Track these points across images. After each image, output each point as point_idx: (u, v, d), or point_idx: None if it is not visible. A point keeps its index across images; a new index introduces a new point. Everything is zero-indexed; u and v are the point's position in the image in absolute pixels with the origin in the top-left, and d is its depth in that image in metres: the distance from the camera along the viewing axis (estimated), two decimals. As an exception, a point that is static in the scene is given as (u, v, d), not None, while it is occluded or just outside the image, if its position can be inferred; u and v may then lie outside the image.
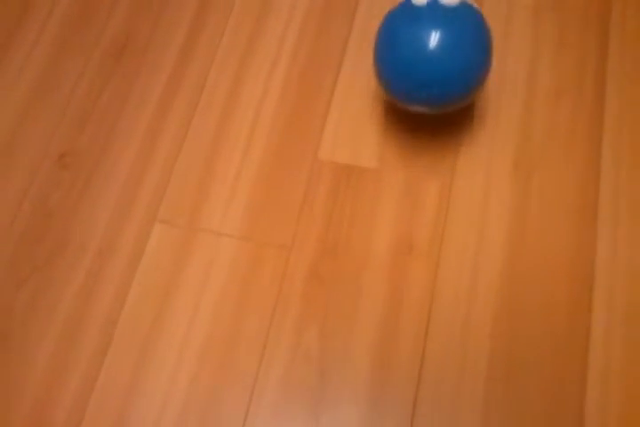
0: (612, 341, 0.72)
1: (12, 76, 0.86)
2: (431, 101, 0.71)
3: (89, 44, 0.88)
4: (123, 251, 0.77)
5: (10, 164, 0.81)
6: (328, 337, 0.73)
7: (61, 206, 0.78)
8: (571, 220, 0.77)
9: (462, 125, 0.82)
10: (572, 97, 0.83)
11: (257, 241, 0.77)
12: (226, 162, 0.81)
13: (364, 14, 0.89)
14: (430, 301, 0.74)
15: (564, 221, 0.77)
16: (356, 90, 0.84)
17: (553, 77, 0.84)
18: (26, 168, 0.81)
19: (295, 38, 0.88)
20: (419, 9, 0.70)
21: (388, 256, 0.75)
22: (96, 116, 0.83)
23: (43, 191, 0.79)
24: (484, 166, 0.79)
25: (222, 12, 0.90)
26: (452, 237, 0.76)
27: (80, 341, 0.73)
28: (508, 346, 0.71)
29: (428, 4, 0.70)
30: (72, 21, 0.90)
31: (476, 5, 0.73)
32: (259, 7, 0.90)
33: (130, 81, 0.86)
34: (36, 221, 0.78)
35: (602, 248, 0.76)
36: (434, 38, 0.68)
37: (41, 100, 0.84)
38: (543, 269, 0.75)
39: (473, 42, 0.70)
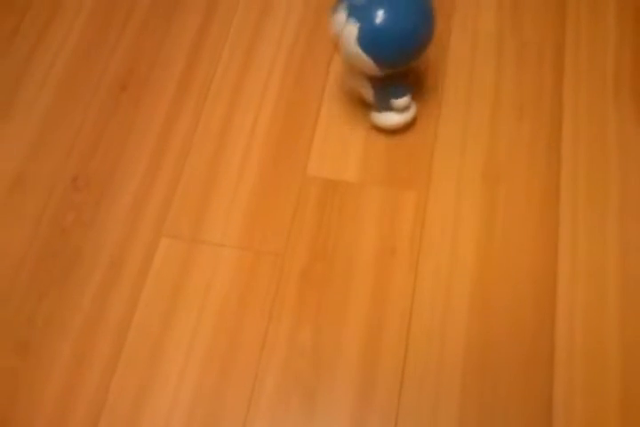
0: (574, 348, 0.80)
1: (27, 106, 0.94)
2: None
3: (95, 78, 0.97)
4: (132, 264, 0.84)
5: (27, 187, 0.89)
6: (320, 334, 0.80)
7: (75, 225, 0.87)
8: (534, 225, 0.86)
9: (434, 142, 0.91)
10: (532, 113, 0.92)
11: (254, 250, 0.85)
12: (224, 180, 0.89)
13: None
14: (411, 300, 0.82)
15: (528, 226, 0.86)
16: (340, 113, 0.93)
17: (515, 96, 0.94)
18: (42, 191, 0.89)
19: (281, 70, 0.97)
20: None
21: (372, 260, 0.84)
22: (104, 142, 0.92)
23: (58, 211, 0.87)
24: (455, 178, 0.88)
25: (216, 45, 0.99)
26: (430, 242, 0.85)
27: (94, 346, 0.80)
28: (482, 335, 0.80)
29: None
30: (80, 58, 0.98)
31: None
32: (249, 38, 0.99)
33: (134, 110, 0.94)
34: (52, 239, 0.86)
35: (563, 252, 0.84)
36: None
37: (54, 129, 0.93)
38: (509, 272, 0.83)
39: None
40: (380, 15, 0.78)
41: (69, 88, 0.96)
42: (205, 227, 0.86)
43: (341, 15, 0.79)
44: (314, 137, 0.92)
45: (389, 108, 0.87)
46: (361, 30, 0.77)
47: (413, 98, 0.89)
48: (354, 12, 0.78)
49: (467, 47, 0.98)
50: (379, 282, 0.83)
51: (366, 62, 0.80)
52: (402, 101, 0.86)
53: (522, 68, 0.96)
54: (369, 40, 0.78)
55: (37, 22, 1.02)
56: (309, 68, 0.97)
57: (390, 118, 0.88)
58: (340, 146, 0.91)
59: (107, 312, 0.82)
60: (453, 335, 0.80)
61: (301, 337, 0.80)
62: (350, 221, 0.86)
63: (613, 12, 1.01)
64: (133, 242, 0.86)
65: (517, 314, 0.81)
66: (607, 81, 0.95)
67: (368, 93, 0.88)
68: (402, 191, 0.87)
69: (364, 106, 0.91)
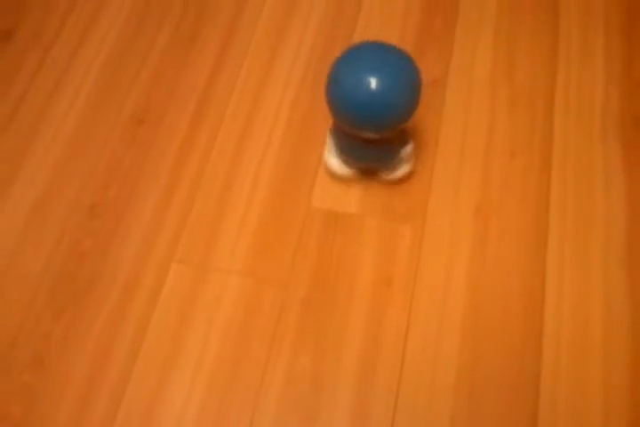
0: (560, 368, 0.85)
1: (50, 137, 1.01)
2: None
3: (114, 112, 1.03)
4: (144, 287, 0.90)
5: (47, 213, 0.95)
6: (320, 360, 0.85)
7: (92, 249, 0.92)
8: (524, 258, 0.91)
9: (430, 179, 0.97)
10: (523, 154, 0.99)
11: (258, 277, 0.90)
12: (233, 211, 0.95)
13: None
14: (406, 328, 0.87)
15: (517, 258, 0.91)
16: (342, 151, 0.99)
17: (507, 138, 1.00)
18: (61, 217, 0.94)
19: (289, 108, 1.03)
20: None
21: (369, 289, 0.89)
22: (121, 173, 0.98)
23: (76, 236, 0.93)
24: (450, 214, 0.94)
25: (228, 85, 1.06)
26: (425, 273, 0.90)
27: (108, 363, 0.85)
28: (472, 360, 0.84)
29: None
30: (100, 93, 1.05)
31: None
32: (259, 77, 1.06)
33: (149, 144, 1.00)
34: (70, 262, 0.91)
35: (550, 283, 0.90)
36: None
37: (74, 160, 0.99)
38: (499, 302, 0.88)
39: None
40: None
41: (90, 121, 1.02)
42: (213, 254, 0.92)
43: None
44: (318, 171, 0.98)
45: (402, 157, 0.91)
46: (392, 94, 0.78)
47: (412, 140, 0.95)
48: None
49: (463, 91, 1.04)
50: (375, 310, 0.88)
51: (405, 122, 0.82)
52: (411, 145, 0.91)
53: (514, 111, 1.03)
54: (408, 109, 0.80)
55: (60, 59, 1.08)
56: (316, 106, 1.03)
57: (402, 170, 0.93)
58: (343, 180, 0.97)
59: (119, 332, 0.87)
60: (445, 361, 0.84)
61: (301, 362, 0.85)
62: (350, 252, 0.92)
63: (602, 58, 1.07)
64: (146, 267, 0.91)
65: (506, 340, 0.86)
66: (595, 124, 1.01)
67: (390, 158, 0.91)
68: (399, 225, 0.93)
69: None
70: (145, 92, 1.05)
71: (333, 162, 0.93)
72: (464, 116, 1.02)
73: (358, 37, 1.10)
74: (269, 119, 1.03)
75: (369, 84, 0.77)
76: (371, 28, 1.11)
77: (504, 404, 0.82)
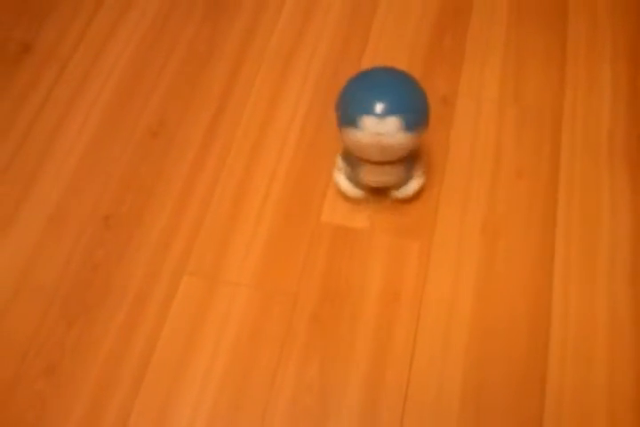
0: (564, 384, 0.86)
1: (66, 149, 1.03)
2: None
3: (129, 125, 1.05)
4: (156, 298, 0.91)
5: (63, 224, 0.96)
6: (327, 372, 0.86)
7: (105, 260, 0.94)
8: (530, 275, 0.93)
9: (438, 197, 0.98)
10: (530, 174, 1.00)
11: (268, 289, 0.92)
12: (243, 224, 0.96)
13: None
14: (413, 341, 0.88)
15: (524, 275, 0.93)
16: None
17: (514, 158, 1.02)
18: (76, 228, 0.96)
19: (300, 124, 1.05)
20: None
21: (377, 303, 0.91)
22: (135, 185, 1.00)
23: (90, 247, 0.95)
24: (457, 230, 0.96)
25: (240, 101, 1.08)
26: (432, 288, 0.92)
27: (119, 373, 0.86)
28: (478, 374, 0.86)
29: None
30: (115, 106, 1.07)
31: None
32: (271, 96, 1.08)
33: (163, 157, 1.02)
34: (84, 272, 0.93)
35: (556, 300, 0.91)
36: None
37: (89, 172, 1.01)
38: (505, 319, 0.90)
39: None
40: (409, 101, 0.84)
41: (106, 133, 1.05)
42: (224, 267, 0.94)
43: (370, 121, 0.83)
44: (328, 186, 0.99)
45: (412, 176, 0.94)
46: (404, 119, 0.81)
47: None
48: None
49: (471, 110, 1.06)
50: (383, 323, 0.89)
51: (411, 143, 0.85)
52: (421, 165, 0.93)
53: (522, 131, 1.04)
54: (414, 122, 0.83)
55: (77, 72, 1.11)
56: (326, 122, 1.05)
57: (412, 188, 0.95)
58: (355, 201, 0.98)
59: (131, 342, 0.88)
60: (452, 374, 0.86)
61: (309, 374, 0.86)
62: (358, 266, 0.93)
63: (609, 80, 1.09)
64: (158, 278, 0.93)
65: (513, 354, 0.87)
66: (602, 145, 1.03)
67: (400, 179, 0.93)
68: (407, 240, 0.95)
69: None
70: (160, 106, 1.07)
71: (344, 183, 0.95)
72: (472, 135, 1.04)
73: (369, 55, 1.12)
74: (280, 135, 1.05)
75: (376, 110, 0.81)
76: (381, 47, 1.13)
77: (510, 415, 0.84)
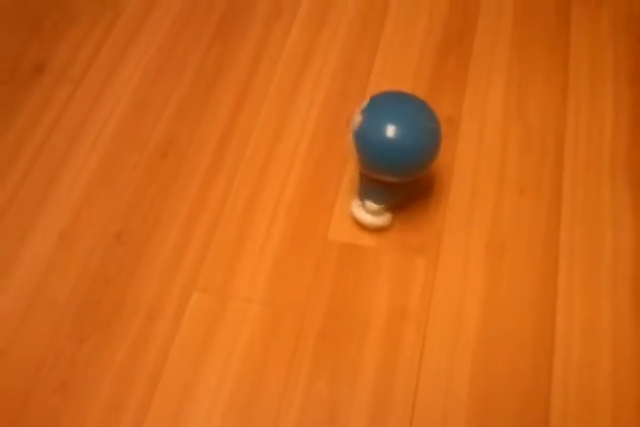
0: (568, 404, 0.88)
1: (77, 168, 1.05)
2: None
3: (139, 145, 1.07)
4: (167, 314, 0.93)
5: (75, 241, 0.98)
6: (335, 387, 0.88)
7: (117, 276, 0.95)
8: (534, 291, 0.94)
9: (444, 214, 1.00)
10: (533, 192, 1.02)
11: (277, 306, 0.93)
12: (252, 241, 0.98)
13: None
14: (420, 358, 0.90)
15: (528, 291, 0.94)
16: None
17: (518, 176, 1.03)
18: (88, 245, 0.98)
19: (308, 143, 1.07)
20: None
21: (384, 319, 0.92)
22: (146, 203, 1.01)
23: (102, 263, 0.96)
24: (463, 247, 0.97)
25: (249, 120, 1.10)
26: (438, 305, 0.93)
27: (130, 388, 0.88)
28: (483, 389, 0.87)
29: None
30: (125, 126, 1.09)
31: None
32: (280, 117, 1.10)
33: (172, 176, 1.04)
34: (95, 288, 0.94)
35: (560, 316, 0.93)
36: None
37: (101, 189, 1.03)
38: (511, 333, 0.91)
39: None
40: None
41: (117, 152, 1.07)
42: (234, 283, 0.95)
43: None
44: (335, 204, 1.01)
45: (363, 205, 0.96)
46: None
47: (427, 177, 1.00)
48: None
49: (475, 130, 1.08)
50: (390, 340, 0.91)
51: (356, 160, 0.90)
52: (372, 206, 0.95)
53: (525, 150, 1.06)
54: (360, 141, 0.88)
55: (89, 92, 1.13)
56: (334, 141, 1.07)
57: (363, 215, 0.97)
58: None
59: (142, 357, 0.90)
60: (457, 390, 0.87)
61: (318, 389, 0.88)
62: (365, 283, 0.95)
63: (611, 101, 1.11)
64: (168, 294, 0.94)
65: (518, 370, 0.88)
66: (604, 165, 1.05)
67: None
68: (414, 258, 0.96)
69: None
70: (170, 125, 1.10)
71: (364, 215, 0.96)
72: (476, 154, 1.06)
73: (375, 75, 1.14)
74: (288, 154, 1.07)
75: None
76: (388, 67, 1.15)
77: (514, 434, 0.85)
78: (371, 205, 0.94)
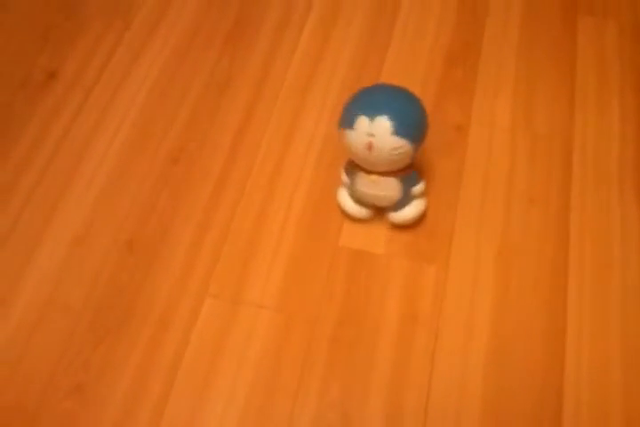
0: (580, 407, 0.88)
1: (89, 175, 1.06)
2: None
3: (151, 152, 1.08)
4: (180, 319, 0.93)
5: (88, 248, 0.99)
6: (348, 392, 0.88)
7: (129, 282, 0.96)
8: (544, 296, 0.95)
9: (454, 222, 1.01)
10: (542, 200, 1.03)
11: (288, 312, 0.94)
12: (264, 248, 0.99)
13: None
14: (431, 363, 0.90)
15: (538, 297, 0.95)
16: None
17: (526, 184, 1.05)
18: (100, 252, 0.99)
19: (318, 149, 1.08)
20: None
21: (396, 325, 0.93)
22: (158, 210, 1.02)
23: (114, 271, 0.97)
24: (473, 254, 0.98)
25: (259, 127, 1.11)
26: (449, 311, 0.94)
27: (144, 393, 0.88)
28: (497, 393, 0.88)
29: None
30: (137, 133, 1.10)
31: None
32: (290, 123, 1.11)
33: (184, 183, 1.05)
34: (109, 295, 0.95)
35: (570, 323, 0.94)
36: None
37: (113, 196, 1.04)
38: (522, 339, 0.92)
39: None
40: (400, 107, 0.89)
41: (128, 159, 1.08)
42: (246, 290, 0.96)
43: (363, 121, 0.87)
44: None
45: (410, 199, 0.96)
46: (395, 122, 0.86)
47: (436, 185, 1.01)
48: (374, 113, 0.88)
49: (484, 138, 1.10)
50: (402, 345, 0.91)
51: (402, 152, 0.89)
52: (421, 186, 0.96)
53: (533, 158, 1.07)
54: (405, 129, 0.87)
55: (100, 99, 1.14)
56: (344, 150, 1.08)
57: (409, 212, 0.97)
58: (369, 221, 1.01)
59: (155, 362, 0.90)
60: (470, 395, 0.88)
61: (330, 393, 0.88)
62: (376, 290, 0.96)
63: (617, 109, 1.13)
64: (181, 301, 0.95)
65: (529, 377, 0.89)
66: (612, 173, 1.06)
67: (393, 196, 0.96)
68: (424, 264, 0.97)
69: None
70: (181, 132, 1.11)
71: (347, 201, 0.98)
72: (485, 162, 1.07)
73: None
74: (299, 159, 1.08)
75: (368, 110, 0.87)
76: (395, 74, 1.17)
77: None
78: (420, 186, 0.95)
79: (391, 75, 1.17)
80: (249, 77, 1.17)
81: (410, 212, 0.97)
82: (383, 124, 0.86)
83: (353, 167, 0.94)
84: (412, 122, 0.88)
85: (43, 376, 0.89)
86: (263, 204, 1.04)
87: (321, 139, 1.10)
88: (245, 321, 0.94)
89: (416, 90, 1.13)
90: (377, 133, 0.86)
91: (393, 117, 0.86)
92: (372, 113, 0.86)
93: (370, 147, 0.87)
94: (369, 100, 0.89)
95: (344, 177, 0.97)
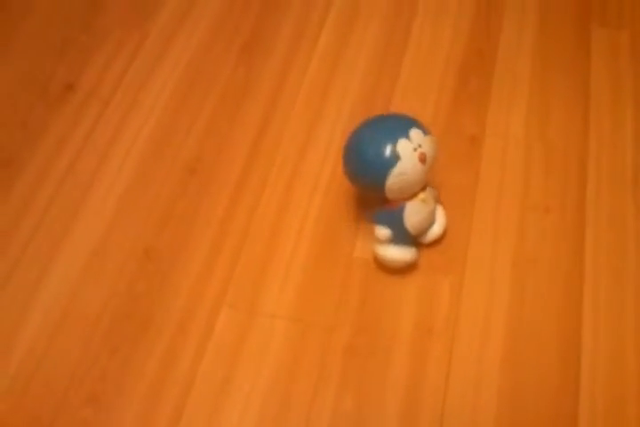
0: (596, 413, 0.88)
1: (107, 185, 1.07)
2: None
3: (168, 162, 1.09)
4: (196, 328, 0.94)
5: (106, 257, 1.00)
6: (363, 402, 0.88)
7: (147, 292, 0.97)
8: (560, 310, 0.95)
9: (469, 234, 1.01)
10: (558, 211, 1.03)
11: (304, 322, 0.94)
12: (279, 258, 1.00)
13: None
14: (446, 374, 0.90)
15: (554, 310, 0.95)
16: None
17: (541, 194, 1.05)
18: (118, 261, 1.00)
19: (332, 164, 1.09)
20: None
21: (410, 336, 0.93)
22: (175, 219, 1.03)
23: (132, 279, 0.98)
24: (488, 265, 0.98)
25: (276, 138, 1.12)
26: (464, 322, 0.94)
27: (160, 402, 0.89)
28: (512, 405, 0.88)
29: None
30: (155, 144, 1.11)
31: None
32: (305, 132, 1.12)
33: (201, 192, 1.06)
34: (126, 303, 0.96)
35: (586, 333, 0.93)
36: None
37: (130, 205, 1.05)
38: (537, 351, 0.92)
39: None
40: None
41: (146, 169, 1.09)
42: (261, 299, 0.96)
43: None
44: (361, 221, 1.02)
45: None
46: (418, 125, 0.91)
47: (451, 196, 1.02)
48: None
49: (498, 148, 1.10)
50: (417, 356, 0.91)
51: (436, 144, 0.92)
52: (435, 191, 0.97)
53: (548, 168, 1.08)
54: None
55: (118, 111, 1.15)
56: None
57: (438, 229, 0.98)
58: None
59: (172, 371, 0.91)
60: (485, 406, 0.88)
61: (345, 404, 0.88)
62: (391, 301, 0.96)
63: (632, 119, 1.13)
64: (197, 310, 0.95)
65: (544, 388, 0.89)
66: (627, 182, 1.06)
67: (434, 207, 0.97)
68: (439, 276, 0.98)
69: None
70: (198, 143, 1.12)
71: (396, 251, 0.94)
72: (500, 172, 1.07)
73: (397, 94, 1.16)
74: (314, 171, 1.08)
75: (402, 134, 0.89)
76: (409, 86, 1.17)
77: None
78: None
79: (406, 86, 1.17)
80: (265, 87, 1.18)
81: (439, 228, 0.98)
82: (416, 131, 0.88)
83: (390, 208, 0.93)
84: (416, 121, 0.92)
85: (59, 386, 0.90)
86: (279, 214, 1.04)
87: (337, 147, 1.10)
88: (261, 331, 0.94)
89: (431, 101, 1.16)
90: (420, 141, 0.88)
91: (415, 124, 0.90)
92: (403, 132, 0.88)
93: (423, 158, 0.88)
94: (385, 130, 0.90)
95: (381, 231, 0.93)
